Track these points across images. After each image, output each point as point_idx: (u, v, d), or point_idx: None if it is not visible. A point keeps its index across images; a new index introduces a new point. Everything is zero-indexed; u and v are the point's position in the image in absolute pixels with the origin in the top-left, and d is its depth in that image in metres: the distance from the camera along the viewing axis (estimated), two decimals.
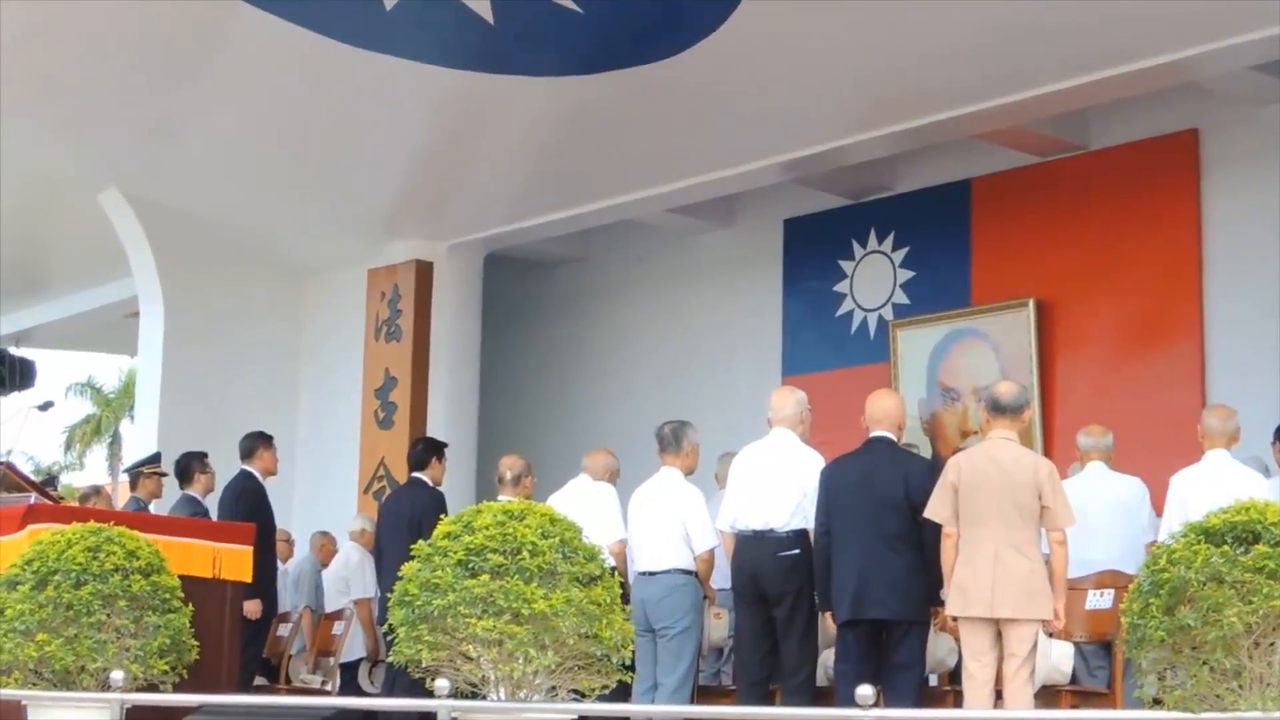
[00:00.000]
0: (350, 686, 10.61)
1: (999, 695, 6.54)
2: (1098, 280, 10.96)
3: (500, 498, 8.26)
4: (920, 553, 7.20)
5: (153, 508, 10.52)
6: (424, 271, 12.97)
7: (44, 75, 10.54)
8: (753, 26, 9.22)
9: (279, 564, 10.84)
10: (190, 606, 7.47)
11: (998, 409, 6.82)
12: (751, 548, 7.79)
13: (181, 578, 7.60)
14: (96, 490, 12.18)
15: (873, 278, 12.25)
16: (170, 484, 10.46)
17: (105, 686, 6.85)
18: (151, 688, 7.11)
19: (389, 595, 6.38)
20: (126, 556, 7.27)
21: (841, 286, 12.43)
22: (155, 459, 10.83)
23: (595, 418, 13.56)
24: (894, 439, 7.60)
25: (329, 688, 10.39)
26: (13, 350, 14.99)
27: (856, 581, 7.31)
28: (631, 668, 6.59)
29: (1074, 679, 7.22)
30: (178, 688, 7.23)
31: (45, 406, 16.32)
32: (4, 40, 9.81)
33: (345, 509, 12.41)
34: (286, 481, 11.95)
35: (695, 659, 8.21)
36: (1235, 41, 8.83)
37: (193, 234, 12.88)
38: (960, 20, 8.98)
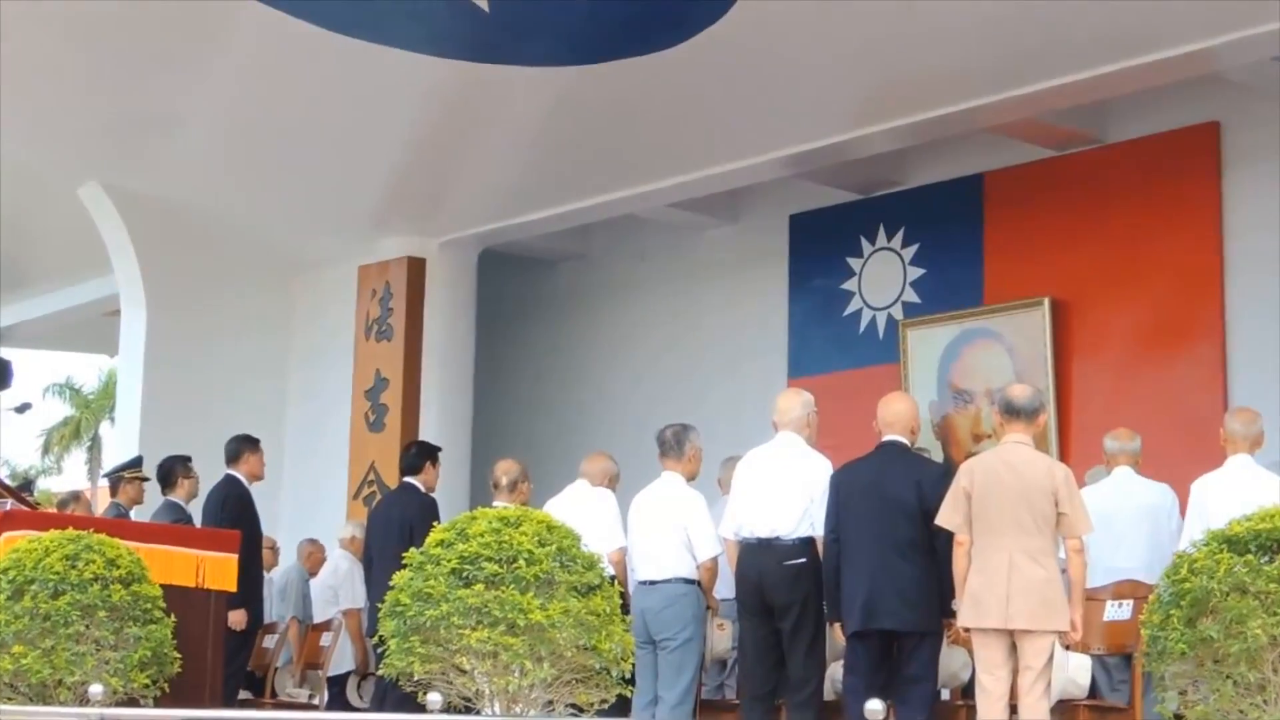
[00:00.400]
0: (338, 701, 10.60)
1: (1014, 710, 6.50)
2: (1115, 278, 10.91)
3: (495, 504, 8.24)
4: (934, 561, 7.16)
5: (134, 514, 10.46)
6: (416, 268, 12.93)
7: (22, 64, 10.46)
8: (757, 15, 9.20)
9: (264, 573, 10.81)
10: (172, 617, 7.43)
11: (1012, 412, 6.79)
12: (756, 556, 7.72)
13: (163, 587, 7.55)
14: (75, 496, 12.15)
15: (882, 275, 12.18)
16: (152, 489, 10.41)
17: (84, 701, 6.73)
18: (132, 702, 7.08)
19: (379, 605, 6.37)
20: (106, 565, 7.23)
21: (849, 285, 12.38)
22: (137, 463, 10.76)
23: (593, 420, 13.55)
24: (907, 443, 7.58)
25: (316, 702, 10.39)
26: None
27: (867, 591, 7.27)
28: (631, 681, 6.65)
29: (1096, 693, 7.32)
30: (159, 702, 7.21)
31: (22, 408, 16.23)
32: None
33: (334, 515, 12.44)
34: (273, 487, 11.92)
35: (698, 672, 8.16)
36: (1258, 31, 8.77)
37: (176, 229, 12.84)
38: (972, 8, 8.96)
